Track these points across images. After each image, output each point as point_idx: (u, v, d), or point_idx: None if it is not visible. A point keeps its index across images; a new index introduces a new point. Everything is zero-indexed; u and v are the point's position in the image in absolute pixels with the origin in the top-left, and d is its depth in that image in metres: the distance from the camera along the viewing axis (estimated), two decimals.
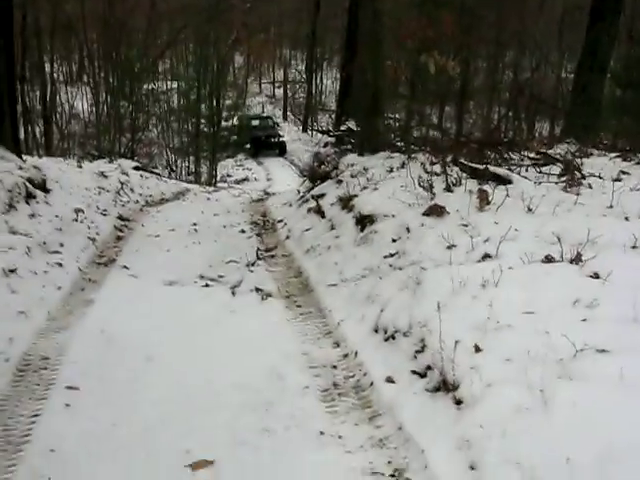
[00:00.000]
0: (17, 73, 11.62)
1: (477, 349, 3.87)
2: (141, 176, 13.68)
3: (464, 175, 7.41)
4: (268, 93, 43.47)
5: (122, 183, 11.71)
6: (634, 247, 4.91)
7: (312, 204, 8.82)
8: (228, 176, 26.61)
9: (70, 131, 26.41)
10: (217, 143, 25.28)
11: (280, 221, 9.29)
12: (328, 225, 7.66)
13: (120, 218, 9.54)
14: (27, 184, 8.61)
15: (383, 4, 8.98)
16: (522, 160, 8.72)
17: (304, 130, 36.15)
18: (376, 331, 4.79)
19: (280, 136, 32.58)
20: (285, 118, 38.60)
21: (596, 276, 4.51)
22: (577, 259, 4.79)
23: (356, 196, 7.62)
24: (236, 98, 33.23)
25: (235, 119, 30.68)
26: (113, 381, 4.34)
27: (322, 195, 8.92)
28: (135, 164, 14.64)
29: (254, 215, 10.45)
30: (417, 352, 4.27)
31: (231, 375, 4.34)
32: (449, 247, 5.52)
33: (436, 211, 6.31)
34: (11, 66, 9.86)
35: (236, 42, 35.21)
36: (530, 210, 6.06)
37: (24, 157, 10.59)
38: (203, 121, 25.73)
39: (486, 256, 5.22)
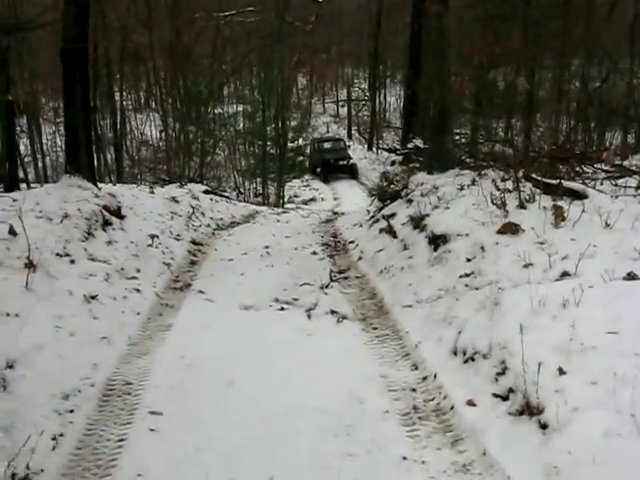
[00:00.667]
0: (91, 104, 12.03)
1: (561, 371, 3.78)
2: (211, 200, 13.92)
3: (537, 191, 7.27)
4: (332, 112, 43.71)
5: (193, 207, 11.95)
6: None
7: (383, 224, 8.80)
8: (295, 197, 26.82)
9: (140, 157, 27.18)
10: (284, 164, 25.55)
11: (351, 242, 9.30)
12: (400, 245, 7.63)
13: (193, 242, 9.73)
14: (103, 212, 8.90)
15: (447, 20, 8.95)
16: (596, 173, 8.50)
17: (369, 148, 36.16)
18: (455, 353, 4.74)
19: (350, 158, 31.52)
20: (350, 137, 38.70)
21: None
22: None
23: (428, 215, 7.57)
24: (301, 119, 33.51)
25: (301, 141, 31.03)
26: (194, 406, 4.42)
27: (393, 215, 8.89)
28: (205, 188, 14.90)
29: (324, 236, 10.49)
30: (498, 374, 4.20)
31: (311, 399, 4.36)
32: (526, 266, 5.42)
33: (510, 229, 6.22)
34: (86, 97, 10.25)
35: (299, 63, 35.67)
36: (608, 225, 5.89)
37: (99, 185, 10.97)
38: (269, 143, 26.06)
39: (565, 274, 5.11)
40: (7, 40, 9.53)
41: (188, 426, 4.14)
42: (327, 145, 32.48)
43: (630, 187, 7.43)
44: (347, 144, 33.61)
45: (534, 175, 7.72)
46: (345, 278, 7.47)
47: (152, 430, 4.10)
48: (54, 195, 9.20)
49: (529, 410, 3.73)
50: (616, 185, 7.63)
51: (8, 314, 5.31)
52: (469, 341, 4.65)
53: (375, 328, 5.73)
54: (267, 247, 9.32)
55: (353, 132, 39.42)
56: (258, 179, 26.82)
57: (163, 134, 25.60)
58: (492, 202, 6.92)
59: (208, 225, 11.61)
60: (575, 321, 4.18)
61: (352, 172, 30.52)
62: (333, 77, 43.39)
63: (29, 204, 8.50)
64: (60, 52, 9.89)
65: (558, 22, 22.34)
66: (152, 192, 12.12)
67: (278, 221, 13.20)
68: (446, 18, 8.92)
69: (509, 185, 7.72)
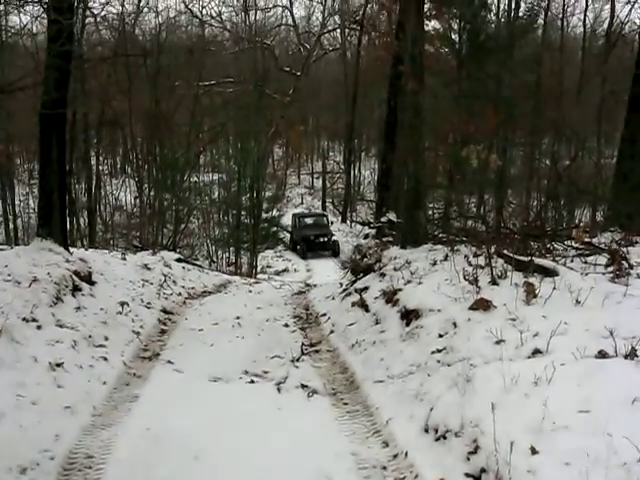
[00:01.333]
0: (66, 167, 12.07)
1: (533, 451, 3.74)
2: (183, 268, 13.84)
3: (509, 267, 7.35)
4: (307, 184, 44.21)
5: (165, 275, 11.86)
6: None
7: (355, 298, 8.79)
8: (268, 267, 26.77)
9: (114, 223, 27.07)
10: (257, 234, 25.61)
11: (323, 315, 9.26)
12: (373, 319, 7.61)
13: (164, 311, 9.61)
14: (74, 277, 8.81)
15: (422, 97, 9.19)
16: (566, 250, 8.63)
17: (343, 221, 36.39)
18: (426, 430, 4.67)
19: (332, 235, 29.97)
20: (324, 209, 39.07)
21: None
22: (632, 354, 4.65)
23: (400, 290, 7.58)
24: (276, 190, 33.75)
25: (275, 211, 31.06)
26: None
27: (365, 288, 8.90)
28: (177, 256, 14.84)
29: (297, 308, 10.44)
30: (470, 453, 4.14)
31: (278, 476, 4.23)
32: (497, 342, 5.41)
33: (482, 305, 6.23)
34: (62, 161, 10.28)
35: (275, 135, 36.20)
36: (578, 303, 5.94)
37: (70, 249, 10.87)
38: (243, 213, 26.18)
39: (536, 352, 5.10)
40: None
41: None
42: (309, 221, 31.27)
43: (599, 265, 7.55)
44: (329, 220, 32.21)
45: (506, 251, 7.82)
46: (316, 352, 7.39)
47: None
48: (24, 258, 9.10)
49: None
50: (586, 262, 7.76)
51: None
52: (441, 419, 4.59)
53: (346, 403, 5.64)
54: (238, 318, 9.24)
55: (327, 204, 39.78)
56: (232, 248, 26.81)
57: (137, 200, 25.57)
58: (464, 278, 6.96)
59: (179, 294, 11.50)
60: (547, 399, 4.15)
61: (334, 250, 28.39)
62: (309, 149, 44.06)
63: None
64: (39, 116, 9.96)
65: (529, 102, 23.14)
66: (124, 258, 12.03)
67: (250, 291, 13.12)
68: (421, 95, 9.16)
69: (481, 261, 7.79)
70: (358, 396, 5.77)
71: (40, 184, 10.48)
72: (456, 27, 22.04)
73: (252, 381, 6.28)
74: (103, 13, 25.37)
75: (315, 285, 14.69)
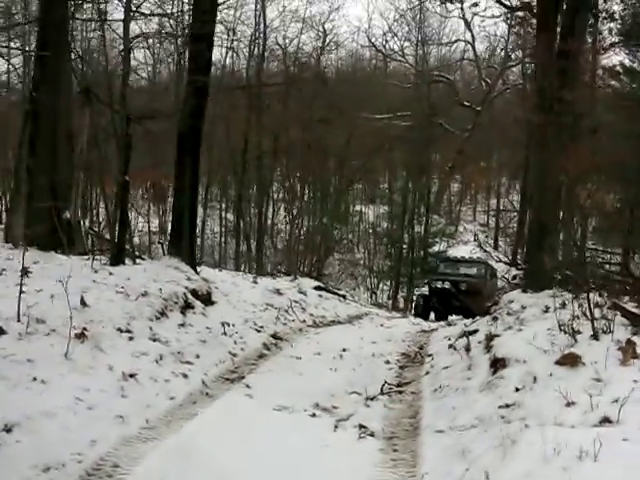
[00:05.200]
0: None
1: None
2: (320, 296, 13.89)
3: (626, 322, 6.55)
4: (482, 221, 42.98)
5: (293, 301, 11.92)
6: None
7: (464, 341, 8.29)
8: None
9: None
10: (415, 269, 25.18)
11: (430, 355, 8.81)
12: (467, 364, 7.10)
13: (274, 336, 9.61)
14: (187, 294, 9.08)
15: (553, 131, 8.53)
16: None
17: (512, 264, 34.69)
18: None
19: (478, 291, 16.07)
20: (496, 248, 37.64)
21: None
22: None
23: (498, 336, 7.02)
24: (445, 224, 33.05)
25: (443, 247, 30.16)
26: None
27: (475, 331, 8.39)
28: (316, 284, 14.93)
29: (411, 346, 10.00)
30: None
31: None
32: (568, 405, 4.79)
33: (570, 360, 5.57)
34: (195, 184, 10.75)
35: (453, 170, 35.57)
36: None
37: (206, 268, 11.30)
38: (405, 246, 25.93)
39: (605, 420, 4.43)
40: (136, 126, 10.28)
41: None
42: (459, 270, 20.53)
43: None
44: (492, 271, 20.26)
45: (626, 305, 7.00)
46: (400, 392, 6.99)
47: None
48: (149, 273, 9.58)
49: None
50: None
51: (35, 379, 5.44)
52: None
53: (396, 450, 5.23)
54: (344, 350, 9.01)
55: (500, 242, 38.28)
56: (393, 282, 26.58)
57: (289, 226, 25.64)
58: (560, 329, 6.28)
59: (303, 321, 11.50)
60: (584, 478, 3.57)
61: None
62: (485, 186, 42.78)
63: (119, 279, 8.91)
64: (176, 143, 10.55)
65: None
66: (255, 282, 12.29)
67: (381, 325, 12.84)
68: (551, 129, 8.52)
69: (598, 312, 7.03)
70: (413, 444, 5.33)
71: (173, 205, 11.06)
72: None
73: (314, 414, 6.04)
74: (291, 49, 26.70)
75: (456, 323, 14.01)
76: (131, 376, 6.27)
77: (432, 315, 19.31)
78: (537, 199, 8.67)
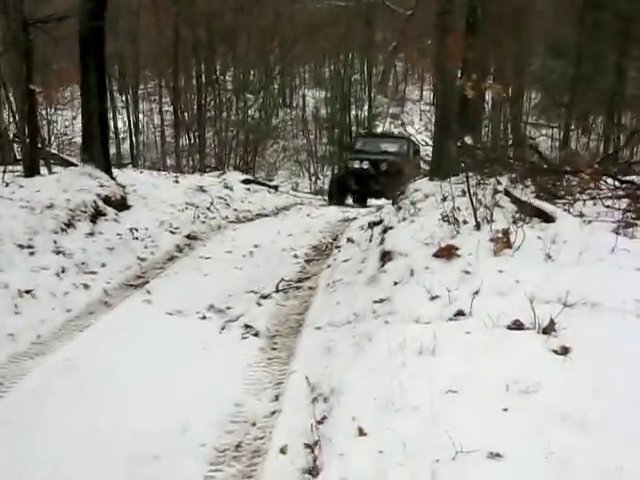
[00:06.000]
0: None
1: (361, 432, 3.42)
2: (248, 189, 13.85)
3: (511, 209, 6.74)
4: (429, 101, 42.64)
5: (217, 197, 11.90)
6: None
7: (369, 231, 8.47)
8: None
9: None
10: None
11: (338, 247, 8.98)
12: (362, 258, 7.29)
13: (188, 237, 9.62)
14: (98, 202, 9.01)
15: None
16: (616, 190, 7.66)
17: None
18: (312, 390, 4.42)
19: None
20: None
21: (563, 351, 3.84)
22: (549, 329, 4.10)
23: (392, 228, 7.18)
24: (390, 104, 32.62)
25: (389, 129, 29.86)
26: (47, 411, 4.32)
27: (380, 222, 8.54)
28: (244, 177, 14.87)
29: (325, 237, 10.17)
30: (318, 422, 3.85)
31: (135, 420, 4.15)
32: (432, 298, 5.00)
33: (446, 253, 5.75)
34: (102, 86, 10.47)
35: (396, 50, 34.89)
36: (550, 257, 5.34)
37: (123, 171, 11.15)
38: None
39: (460, 313, 4.66)
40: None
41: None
42: (378, 146, 18.54)
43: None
44: (415, 147, 18.59)
45: (513, 190, 7.18)
46: (297, 288, 7.19)
47: None
48: (60, 183, 9.45)
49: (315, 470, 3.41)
50: (608, 207, 6.93)
51: None
52: (324, 379, 4.34)
53: (275, 349, 5.43)
54: (256, 246, 9.13)
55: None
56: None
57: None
58: (443, 219, 6.44)
59: (226, 217, 11.53)
60: (417, 373, 3.78)
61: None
62: (428, 66, 42.13)
63: (28, 192, 8.80)
64: (78, 39, 10.16)
65: None
66: (176, 181, 12.21)
67: (308, 215, 12.89)
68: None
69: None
70: (292, 342, 5.54)
71: (82, 109, 10.78)
72: None
73: (204, 317, 6.19)
74: None
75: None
76: (27, 292, 6.31)
77: (350, 199, 18.02)
78: (440, 86, 8.63)
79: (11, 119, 12.80)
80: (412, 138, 19.83)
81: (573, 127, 24.38)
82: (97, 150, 10.24)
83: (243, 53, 22.94)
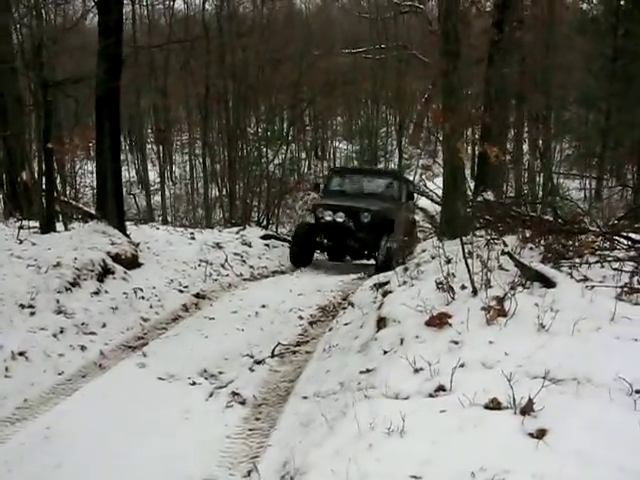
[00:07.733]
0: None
1: None
2: (267, 245, 13.78)
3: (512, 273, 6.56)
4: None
5: (231, 254, 11.88)
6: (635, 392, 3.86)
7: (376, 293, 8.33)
8: None
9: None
10: None
11: (344, 308, 8.84)
12: (362, 322, 7.15)
13: (197, 296, 9.57)
14: (106, 260, 9.05)
15: (457, 77, 8.39)
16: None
17: None
18: (284, 465, 4.27)
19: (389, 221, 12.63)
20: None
21: (539, 434, 3.65)
22: (528, 408, 3.89)
23: (391, 292, 7.05)
24: (420, 156, 32.64)
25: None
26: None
27: (387, 282, 8.39)
28: (265, 233, 14.84)
29: (336, 297, 10.03)
30: None
31: None
32: (416, 371, 4.83)
33: (437, 321, 5.58)
34: (116, 146, 10.68)
35: (429, 100, 35.07)
36: (543, 327, 5.14)
37: (138, 227, 11.27)
38: None
39: (440, 389, 4.48)
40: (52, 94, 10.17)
41: None
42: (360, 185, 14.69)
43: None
44: (408, 188, 15.21)
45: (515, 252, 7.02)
46: (294, 352, 7.06)
47: None
48: (73, 240, 9.56)
49: None
50: (616, 269, 6.68)
51: None
52: (296, 455, 4.18)
53: (258, 419, 5.30)
54: (263, 306, 9.00)
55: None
56: None
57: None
58: (437, 286, 6.29)
59: (240, 275, 11.46)
60: (382, 457, 3.63)
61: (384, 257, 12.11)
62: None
63: (40, 249, 8.92)
64: (95, 101, 10.42)
65: None
66: (193, 237, 12.26)
67: (324, 272, 12.77)
68: (456, 75, 8.39)
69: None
70: (277, 412, 5.41)
71: (96, 170, 11.02)
72: None
73: (194, 383, 6.08)
74: None
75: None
76: (20, 354, 6.31)
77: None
78: (447, 146, 8.58)
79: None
80: (405, 176, 16.85)
81: (607, 176, 24.17)
82: (111, 207, 10.40)
83: (270, 106, 23.25)
